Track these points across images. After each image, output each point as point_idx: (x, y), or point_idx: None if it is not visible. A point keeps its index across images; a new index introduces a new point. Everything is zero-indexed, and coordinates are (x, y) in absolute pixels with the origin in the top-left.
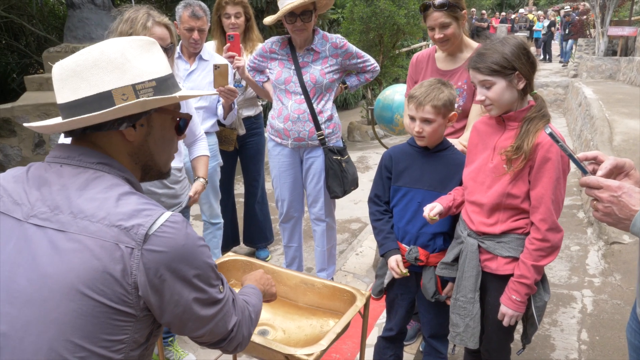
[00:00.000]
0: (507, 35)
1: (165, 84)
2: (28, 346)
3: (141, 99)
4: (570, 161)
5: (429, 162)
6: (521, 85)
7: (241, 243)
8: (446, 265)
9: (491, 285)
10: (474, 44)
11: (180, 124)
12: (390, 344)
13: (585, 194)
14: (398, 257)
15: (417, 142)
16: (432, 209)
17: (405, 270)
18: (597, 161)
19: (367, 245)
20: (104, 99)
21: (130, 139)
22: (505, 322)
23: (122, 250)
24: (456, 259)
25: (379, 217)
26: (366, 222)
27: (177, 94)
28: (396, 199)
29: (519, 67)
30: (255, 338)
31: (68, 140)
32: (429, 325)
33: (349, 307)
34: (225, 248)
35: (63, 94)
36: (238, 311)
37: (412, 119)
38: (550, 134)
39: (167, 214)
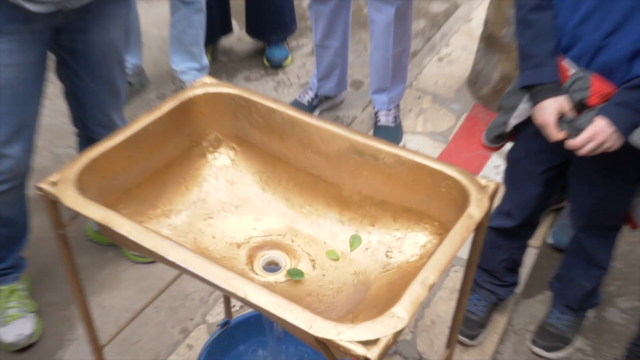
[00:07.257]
0: None
1: None
2: None
3: None
4: None
5: None
6: None
7: (239, 32)
8: None
9: None
10: None
11: None
12: (505, 242)
13: None
14: (563, 102)
15: None
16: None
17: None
18: None
19: (459, 44)
20: None
21: None
22: None
23: None
24: None
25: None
26: (459, 2)
27: None
28: None
29: None
30: (262, 298)
31: None
32: (586, 211)
33: (450, 209)
34: (211, 42)
35: None
36: None
37: None
38: None
39: None
